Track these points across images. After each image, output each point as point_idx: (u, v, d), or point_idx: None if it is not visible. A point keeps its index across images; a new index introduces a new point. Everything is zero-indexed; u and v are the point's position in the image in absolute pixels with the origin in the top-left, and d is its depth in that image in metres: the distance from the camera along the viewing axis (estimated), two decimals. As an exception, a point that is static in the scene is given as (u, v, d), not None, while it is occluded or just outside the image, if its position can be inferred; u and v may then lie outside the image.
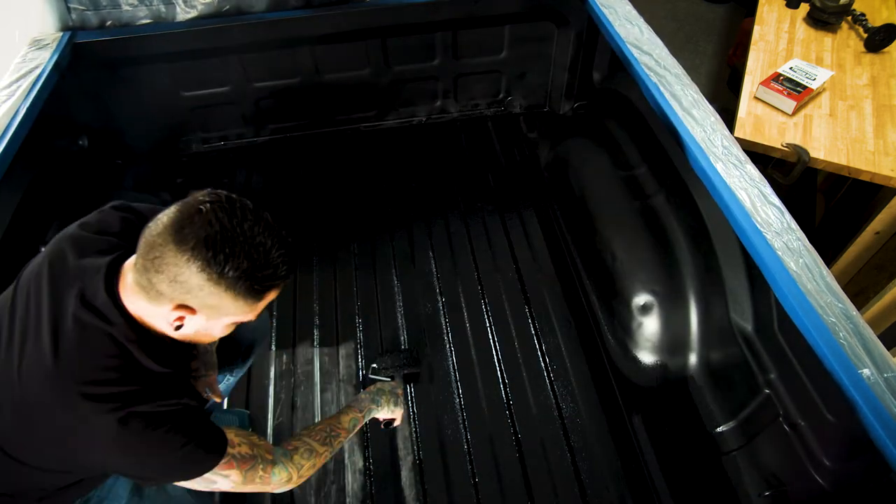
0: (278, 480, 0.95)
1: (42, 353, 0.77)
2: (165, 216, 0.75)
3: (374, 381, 1.48)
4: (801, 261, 1.05)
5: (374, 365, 1.54)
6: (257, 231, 0.76)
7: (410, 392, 1.57)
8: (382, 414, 1.27)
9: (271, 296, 0.83)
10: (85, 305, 0.79)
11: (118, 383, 0.77)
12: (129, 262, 0.82)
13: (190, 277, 0.73)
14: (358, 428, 1.17)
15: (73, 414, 0.75)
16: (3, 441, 0.81)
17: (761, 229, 1.10)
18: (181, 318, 0.79)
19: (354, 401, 1.24)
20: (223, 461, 0.85)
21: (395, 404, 1.30)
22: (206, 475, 0.84)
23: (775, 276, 1.03)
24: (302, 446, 1.01)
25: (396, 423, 1.35)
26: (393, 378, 1.49)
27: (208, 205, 0.74)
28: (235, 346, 1.29)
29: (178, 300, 0.76)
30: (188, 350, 1.04)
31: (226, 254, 0.73)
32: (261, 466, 0.92)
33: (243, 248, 0.74)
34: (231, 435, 0.88)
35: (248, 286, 0.76)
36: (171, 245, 0.72)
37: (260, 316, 1.17)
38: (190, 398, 0.84)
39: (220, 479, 0.87)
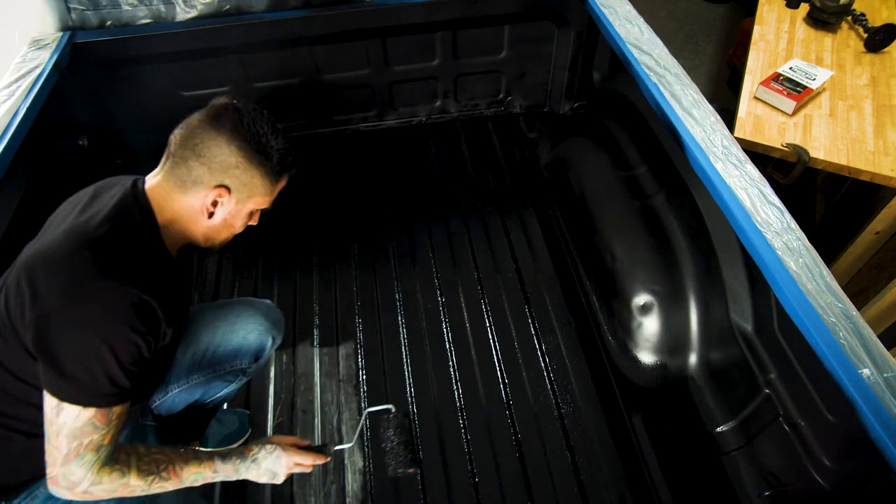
0: (72, 471, 0.82)
1: (77, 218, 0.87)
2: (195, 116, 0.90)
3: (372, 415, 1.29)
4: (800, 260, 1.05)
5: (389, 413, 1.21)
6: (275, 125, 0.93)
7: (410, 392, 1.58)
8: (244, 477, 1.03)
9: (283, 182, 0.97)
10: (125, 192, 0.91)
11: (122, 252, 0.84)
12: (150, 179, 0.95)
13: (228, 157, 0.88)
14: (197, 484, 0.97)
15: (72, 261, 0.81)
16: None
17: (761, 229, 1.10)
18: (215, 204, 0.91)
19: (220, 456, 0.99)
20: (117, 407, 0.83)
21: (268, 480, 1.05)
22: (88, 416, 0.80)
23: (775, 275, 1.03)
24: (119, 467, 0.87)
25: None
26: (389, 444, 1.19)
27: (235, 101, 0.92)
28: (245, 351, 1.28)
29: (217, 181, 0.89)
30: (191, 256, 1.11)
31: (258, 134, 0.89)
32: (93, 439, 0.82)
33: (271, 132, 0.91)
34: None
35: (272, 167, 0.92)
36: (211, 131, 0.87)
37: (271, 317, 1.27)
38: (166, 307, 0.86)
39: (91, 432, 0.81)
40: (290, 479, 1.42)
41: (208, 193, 0.89)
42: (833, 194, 2.27)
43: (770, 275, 1.05)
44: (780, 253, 1.06)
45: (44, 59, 1.59)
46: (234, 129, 0.87)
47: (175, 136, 0.90)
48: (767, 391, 1.20)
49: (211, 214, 0.92)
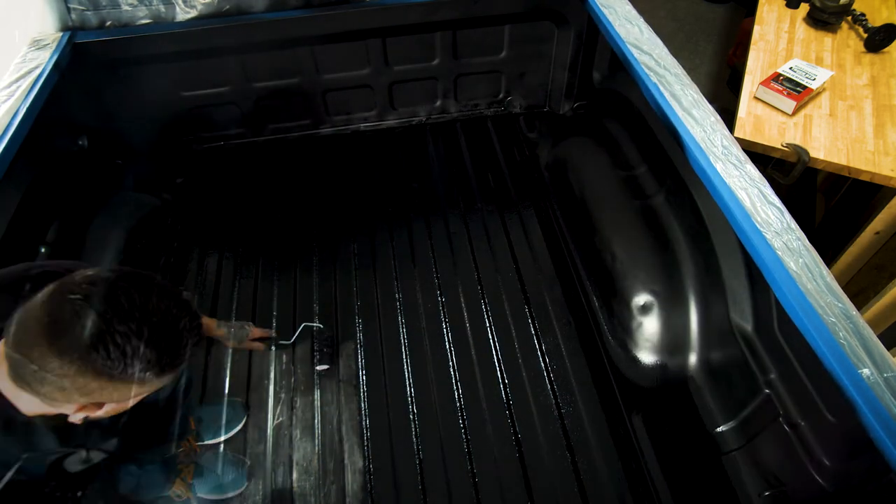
0: None
1: None
2: (34, 317, 0.63)
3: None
4: (800, 261, 1.05)
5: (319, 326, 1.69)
6: (153, 306, 0.67)
7: (410, 392, 1.58)
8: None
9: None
10: None
11: None
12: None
13: (88, 383, 0.64)
14: None
15: None
16: None
17: (761, 229, 1.10)
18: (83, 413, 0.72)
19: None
20: None
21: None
22: None
23: (775, 275, 1.03)
24: None
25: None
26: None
27: (79, 300, 0.63)
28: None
29: (82, 402, 0.69)
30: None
31: (121, 350, 0.63)
32: None
33: (135, 335, 0.64)
34: None
35: (157, 371, 0.68)
36: (52, 357, 0.62)
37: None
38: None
39: None
40: (290, 478, 1.43)
41: (75, 412, 0.71)
42: (833, 194, 2.27)
43: (770, 275, 1.05)
44: (779, 253, 1.06)
45: (44, 59, 1.59)
46: (85, 354, 0.63)
47: (12, 333, 0.64)
48: (767, 391, 1.20)
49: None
